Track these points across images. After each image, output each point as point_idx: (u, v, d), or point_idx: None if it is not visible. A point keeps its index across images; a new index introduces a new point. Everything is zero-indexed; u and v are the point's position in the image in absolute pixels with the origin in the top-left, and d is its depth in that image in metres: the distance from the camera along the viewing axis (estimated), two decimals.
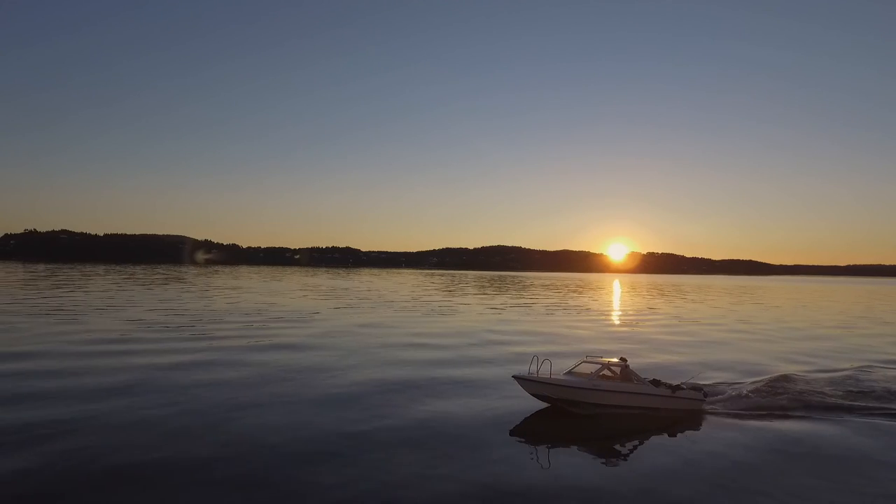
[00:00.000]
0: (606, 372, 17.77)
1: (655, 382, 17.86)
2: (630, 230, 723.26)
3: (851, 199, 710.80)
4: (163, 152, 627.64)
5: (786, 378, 22.00)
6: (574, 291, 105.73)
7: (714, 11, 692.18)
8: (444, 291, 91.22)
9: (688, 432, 15.93)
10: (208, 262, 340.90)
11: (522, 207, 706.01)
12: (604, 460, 13.50)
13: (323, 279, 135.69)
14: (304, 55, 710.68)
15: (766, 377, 22.32)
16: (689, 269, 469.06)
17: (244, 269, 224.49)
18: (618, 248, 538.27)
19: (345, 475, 11.37)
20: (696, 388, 18.44)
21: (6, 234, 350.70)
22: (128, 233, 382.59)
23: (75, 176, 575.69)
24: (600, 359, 18.35)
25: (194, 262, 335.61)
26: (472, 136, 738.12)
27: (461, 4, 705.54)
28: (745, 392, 19.72)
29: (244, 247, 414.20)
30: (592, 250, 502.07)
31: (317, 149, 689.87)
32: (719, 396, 19.14)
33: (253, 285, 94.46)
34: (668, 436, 15.72)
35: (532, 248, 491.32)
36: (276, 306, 51.98)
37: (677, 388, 17.87)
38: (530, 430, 15.59)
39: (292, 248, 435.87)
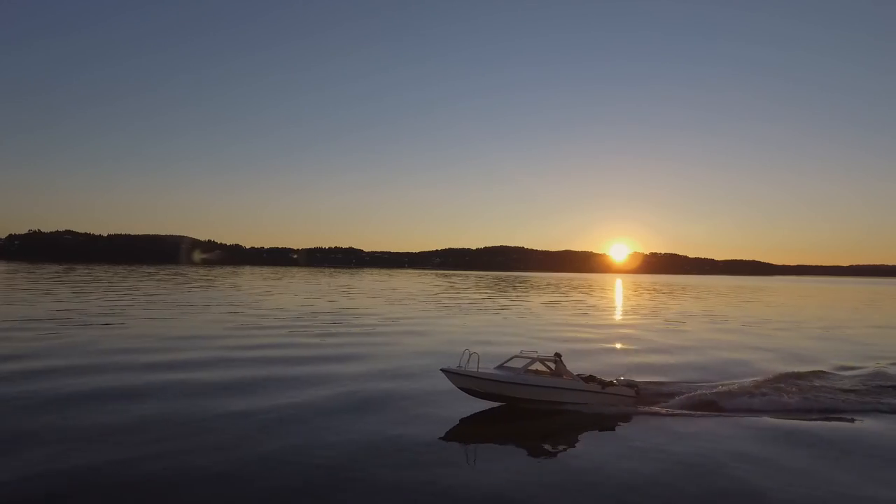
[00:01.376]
0: (538, 366, 17.77)
1: (587, 378, 17.80)
2: (633, 230, 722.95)
3: (855, 199, 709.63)
4: (164, 152, 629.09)
5: (777, 379, 21.70)
6: (604, 292, 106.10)
7: (717, 11, 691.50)
8: (485, 292, 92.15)
9: (611, 430, 15.82)
10: (211, 263, 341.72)
11: (524, 207, 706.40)
12: (522, 460, 13.41)
13: (346, 279, 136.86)
14: (307, 55, 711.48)
15: (748, 378, 22.02)
16: (692, 270, 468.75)
17: (250, 270, 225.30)
18: (620, 249, 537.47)
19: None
20: (631, 384, 18.42)
21: (10, 235, 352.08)
22: (131, 233, 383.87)
23: (78, 176, 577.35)
24: (532, 353, 18.21)
25: (198, 262, 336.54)
26: (474, 135, 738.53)
27: (464, 4, 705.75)
28: (700, 392, 19.36)
29: (247, 247, 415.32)
30: (595, 250, 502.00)
31: (319, 149, 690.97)
32: (679, 396, 18.82)
33: (283, 285, 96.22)
34: (590, 434, 15.59)
35: (534, 248, 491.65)
36: (349, 308, 52.36)
37: (609, 384, 17.81)
38: (464, 431, 15.50)
39: (295, 248, 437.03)
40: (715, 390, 19.64)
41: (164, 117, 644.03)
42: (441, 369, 17.58)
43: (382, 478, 11.58)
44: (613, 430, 15.92)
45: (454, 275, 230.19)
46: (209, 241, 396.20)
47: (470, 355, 17.47)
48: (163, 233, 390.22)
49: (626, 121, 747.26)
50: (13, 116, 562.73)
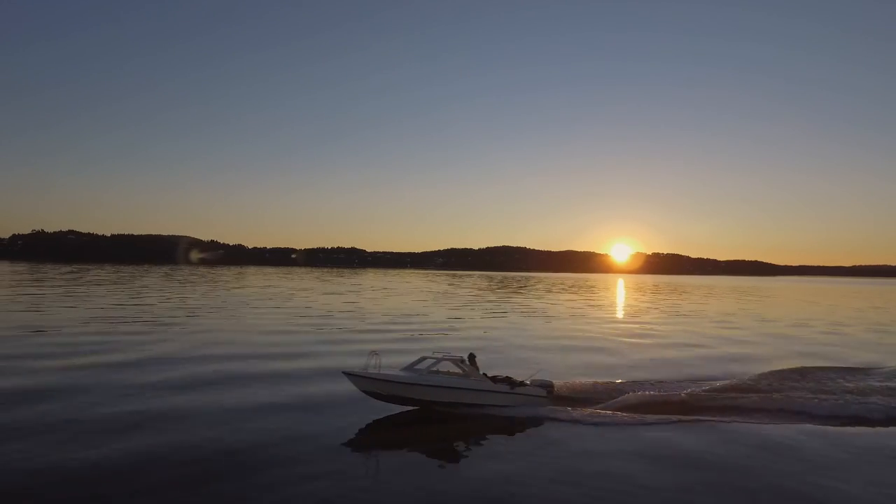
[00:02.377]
0: (450, 367, 17.24)
1: (498, 379, 17.29)
2: (635, 230, 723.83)
3: (857, 199, 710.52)
4: (166, 152, 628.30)
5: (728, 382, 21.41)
6: (639, 292, 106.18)
7: (722, 11, 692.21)
8: (514, 293, 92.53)
9: (509, 435, 15.42)
10: (214, 263, 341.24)
11: (526, 207, 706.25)
12: (423, 466, 13.13)
13: (368, 279, 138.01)
14: (310, 54, 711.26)
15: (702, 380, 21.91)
16: (695, 270, 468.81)
17: (254, 270, 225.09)
18: (622, 249, 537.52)
19: None
20: (545, 385, 17.90)
21: (14, 235, 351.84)
22: (133, 233, 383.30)
23: (80, 175, 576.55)
24: (440, 354, 17.70)
25: (200, 262, 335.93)
26: (475, 135, 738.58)
27: (468, 4, 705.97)
28: (638, 395, 18.91)
29: (250, 247, 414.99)
30: (597, 250, 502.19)
31: (321, 149, 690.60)
32: (619, 399, 18.38)
33: (310, 286, 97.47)
34: (490, 437, 15.18)
35: (537, 248, 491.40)
36: (400, 310, 52.95)
37: (519, 384, 17.35)
38: (368, 438, 15.16)
39: (298, 248, 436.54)
40: (658, 392, 19.44)
41: (167, 117, 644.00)
42: (343, 372, 16.87)
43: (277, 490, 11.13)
44: (512, 434, 15.49)
45: (463, 275, 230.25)
46: (212, 241, 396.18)
47: (376, 356, 16.79)
48: (165, 233, 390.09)
49: (628, 120, 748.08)
50: (18, 116, 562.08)
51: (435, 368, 17.21)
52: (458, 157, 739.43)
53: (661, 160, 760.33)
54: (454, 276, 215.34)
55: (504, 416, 16.61)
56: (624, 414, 17.20)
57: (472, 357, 17.75)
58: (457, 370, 17.17)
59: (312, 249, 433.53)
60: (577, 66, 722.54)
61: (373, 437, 15.43)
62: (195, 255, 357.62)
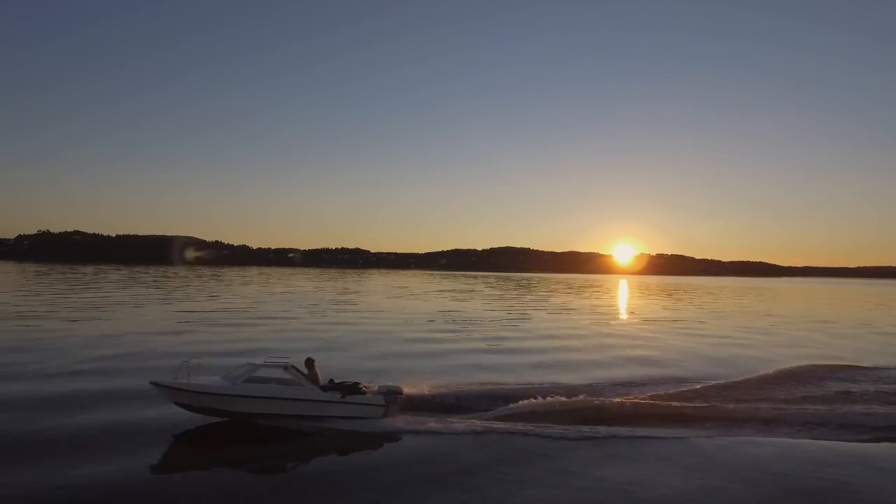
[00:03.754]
0: (271, 373, 15.57)
1: (326, 387, 15.44)
2: (638, 231, 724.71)
3: (862, 200, 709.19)
4: (169, 152, 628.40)
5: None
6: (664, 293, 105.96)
7: (725, 10, 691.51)
8: (548, 294, 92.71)
9: (334, 448, 14.25)
10: (221, 263, 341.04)
11: (529, 207, 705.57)
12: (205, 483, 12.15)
13: (388, 280, 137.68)
14: (312, 54, 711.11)
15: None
16: (699, 272, 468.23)
17: (258, 270, 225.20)
18: (627, 250, 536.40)
19: None
20: (392, 391, 15.91)
21: (20, 235, 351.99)
22: (139, 234, 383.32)
23: (85, 175, 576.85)
24: (266, 361, 16.01)
25: (204, 263, 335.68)
26: (479, 135, 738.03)
27: (472, 3, 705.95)
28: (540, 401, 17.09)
29: (254, 247, 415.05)
30: (601, 251, 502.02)
31: (325, 149, 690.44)
32: (519, 405, 16.67)
33: (341, 286, 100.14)
34: (316, 451, 14.05)
35: (540, 249, 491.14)
36: (459, 312, 53.43)
37: (354, 391, 15.34)
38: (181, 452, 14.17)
39: (301, 248, 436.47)
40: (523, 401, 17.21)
41: (171, 117, 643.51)
42: (151, 382, 15.46)
43: None
44: (335, 452, 13.98)
45: (472, 276, 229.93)
46: (216, 241, 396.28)
47: (190, 364, 15.24)
48: (168, 233, 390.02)
49: (632, 120, 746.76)
50: (22, 116, 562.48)
51: (257, 375, 15.40)
52: (461, 157, 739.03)
53: (665, 160, 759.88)
54: (466, 276, 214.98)
55: (335, 428, 14.86)
56: (500, 423, 15.24)
57: (309, 362, 15.95)
58: (288, 376, 15.44)
59: (316, 250, 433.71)
60: (582, 65, 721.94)
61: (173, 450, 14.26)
62: (192, 255, 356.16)
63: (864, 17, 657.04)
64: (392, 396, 15.79)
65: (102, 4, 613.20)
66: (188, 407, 15.11)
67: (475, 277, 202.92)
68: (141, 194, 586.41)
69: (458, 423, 15.29)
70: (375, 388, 16.03)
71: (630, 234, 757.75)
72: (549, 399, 17.19)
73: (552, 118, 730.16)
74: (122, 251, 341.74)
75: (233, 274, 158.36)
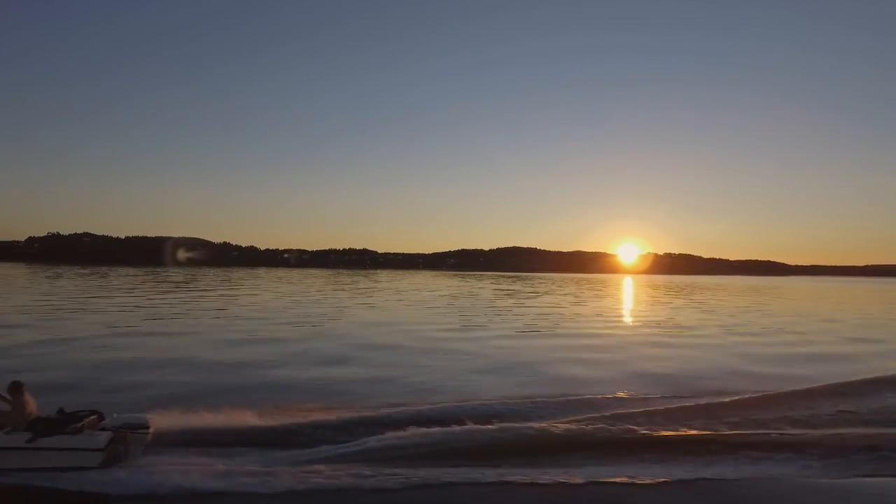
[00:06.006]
0: None
1: (33, 421, 11.01)
2: (645, 230, 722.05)
3: (869, 198, 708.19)
4: (175, 153, 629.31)
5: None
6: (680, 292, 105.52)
7: (730, 9, 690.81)
8: (593, 295, 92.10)
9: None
10: (227, 264, 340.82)
11: (534, 207, 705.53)
12: None
13: (408, 281, 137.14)
14: (316, 54, 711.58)
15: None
16: (707, 271, 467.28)
17: (265, 272, 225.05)
18: (633, 249, 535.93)
19: None
20: (129, 426, 11.53)
21: (30, 237, 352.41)
22: (147, 235, 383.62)
23: (93, 177, 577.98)
24: None
25: (215, 265, 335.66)
26: (484, 135, 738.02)
27: (478, 1, 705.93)
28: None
29: (263, 248, 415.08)
30: (607, 251, 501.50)
31: (325, 150, 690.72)
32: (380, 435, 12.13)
33: (380, 288, 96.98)
34: None
35: (547, 248, 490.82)
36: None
37: (56, 430, 10.72)
38: None
39: (308, 249, 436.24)
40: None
41: (178, 118, 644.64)
42: None
43: None
44: None
45: (484, 276, 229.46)
46: (224, 242, 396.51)
47: None
48: (177, 234, 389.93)
49: (637, 119, 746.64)
50: (28, 116, 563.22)
51: None
52: (467, 156, 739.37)
53: (671, 159, 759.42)
54: (480, 277, 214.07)
55: (29, 484, 10.21)
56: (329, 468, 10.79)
57: (14, 387, 11.34)
58: None
59: (324, 251, 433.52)
60: (587, 64, 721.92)
61: None
62: (202, 256, 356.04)
63: (881, 17, 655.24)
64: (122, 434, 11.30)
65: (107, 4, 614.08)
66: None
67: (497, 278, 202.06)
68: (148, 196, 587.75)
69: (243, 469, 10.68)
70: (108, 422, 11.71)
71: (635, 234, 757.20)
72: (453, 428, 12.41)
73: (557, 117, 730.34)
74: (130, 253, 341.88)
75: (258, 275, 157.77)
